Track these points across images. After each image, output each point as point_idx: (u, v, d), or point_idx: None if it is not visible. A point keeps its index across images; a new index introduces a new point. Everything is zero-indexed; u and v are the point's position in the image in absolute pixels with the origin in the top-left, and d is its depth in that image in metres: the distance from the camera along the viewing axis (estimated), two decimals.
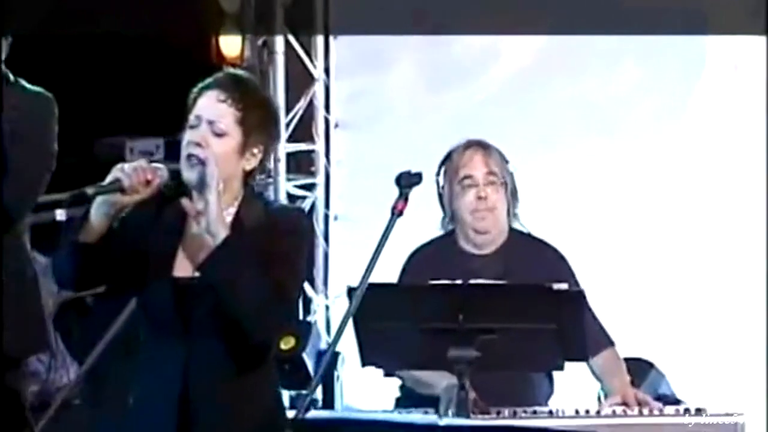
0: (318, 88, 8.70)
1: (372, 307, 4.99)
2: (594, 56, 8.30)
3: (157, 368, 4.47)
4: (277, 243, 4.46)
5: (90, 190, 4.32)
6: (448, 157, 6.25)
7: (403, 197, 4.53)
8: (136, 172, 4.33)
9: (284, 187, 8.74)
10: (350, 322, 5.71)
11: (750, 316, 7.73)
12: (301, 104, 8.75)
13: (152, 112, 8.78)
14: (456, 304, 4.92)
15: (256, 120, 4.41)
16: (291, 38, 8.66)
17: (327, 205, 8.86)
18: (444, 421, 4.60)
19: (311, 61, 8.67)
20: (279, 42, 8.65)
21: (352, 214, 8.67)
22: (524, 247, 6.05)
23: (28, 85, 5.95)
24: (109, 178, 4.37)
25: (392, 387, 6.38)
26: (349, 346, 7.76)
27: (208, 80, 4.56)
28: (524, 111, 8.28)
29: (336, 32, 8.66)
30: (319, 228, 8.71)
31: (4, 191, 5.82)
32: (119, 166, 4.35)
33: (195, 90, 4.53)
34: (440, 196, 6.29)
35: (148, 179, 4.36)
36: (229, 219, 4.40)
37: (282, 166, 8.63)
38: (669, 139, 8.15)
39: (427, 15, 8.47)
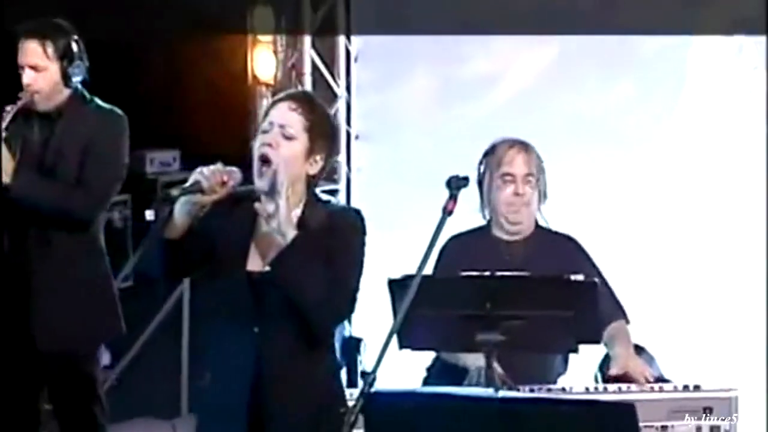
0: (340, 105, 8.71)
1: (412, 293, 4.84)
2: (591, 70, 8.23)
3: (233, 348, 4.55)
4: (338, 241, 4.55)
5: (175, 192, 4.41)
6: (492, 151, 6.21)
7: (453, 198, 4.50)
8: (213, 175, 4.39)
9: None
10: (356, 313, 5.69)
11: (741, 299, 7.68)
12: None
13: (198, 129, 8.85)
14: (484, 294, 4.93)
15: (321, 130, 4.49)
16: (317, 60, 8.64)
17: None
18: (501, 393, 4.63)
19: (334, 80, 8.67)
20: (307, 64, 8.66)
21: (370, 217, 8.74)
22: (547, 238, 6.06)
23: (102, 103, 6.07)
24: (190, 181, 4.45)
25: (411, 369, 6.31)
26: (370, 333, 7.76)
27: (281, 94, 4.69)
28: (529, 123, 7.92)
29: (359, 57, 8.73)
30: None
31: (83, 197, 5.93)
32: (199, 169, 4.42)
33: (267, 106, 4.66)
34: (480, 183, 6.24)
35: (224, 180, 4.41)
36: (295, 219, 4.48)
37: None
38: (661, 143, 8.08)
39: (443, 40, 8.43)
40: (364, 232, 4.70)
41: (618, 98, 8.21)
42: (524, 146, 6.14)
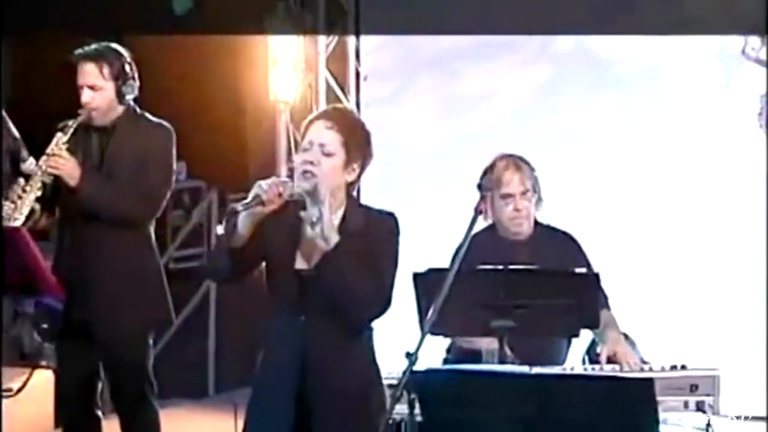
0: None
1: (434, 286, 4.95)
2: (577, 88, 8.22)
3: (282, 337, 4.64)
4: (377, 242, 4.62)
5: (240, 207, 4.46)
6: (491, 169, 6.10)
7: (483, 199, 4.63)
8: (271, 188, 4.45)
9: None
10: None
11: (721, 289, 7.59)
12: None
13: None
14: (498, 285, 5.01)
15: (356, 142, 4.55)
16: (330, 80, 8.70)
17: None
18: (534, 370, 4.72)
19: (345, 97, 8.67)
20: (321, 82, 8.67)
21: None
22: (547, 235, 6.03)
23: (151, 118, 6.13)
24: (251, 195, 4.49)
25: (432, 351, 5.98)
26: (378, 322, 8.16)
27: (317, 113, 4.72)
28: (522, 136, 8.12)
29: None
30: None
31: (140, 201, 5.99)
32: (258, 183, 4.45)
33: (306, 123, 4.64)
34: (483, 197, 6.25)
35: (281, 192, 4.47)
36: (336, 222, 4.53)
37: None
38: (639, 152, 8.02)
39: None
40: (398, 234, 4.73)
41: (600, 113, 8.17)
42: (518, 165, 6.14)
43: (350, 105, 8.67)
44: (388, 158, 8.62)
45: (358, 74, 8.72)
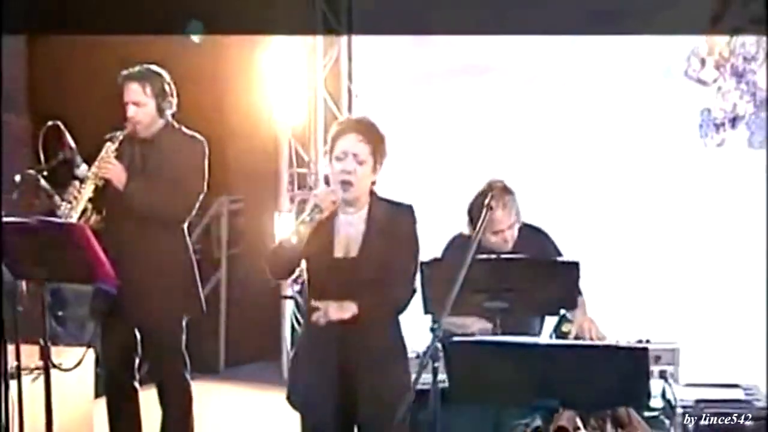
0: None
1: (436, 273, 5.14)
2: (558, 91, 7.98)
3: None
4: (398, 228, 4.72)
5: (307, 218, 4.58)
6: (482, 198, 5.63)
7: (493, 197, 4.77)
8: (327, 196, 4.63)
9: None
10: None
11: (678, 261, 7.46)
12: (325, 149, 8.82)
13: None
14: (491, 272, 5.06)
15: (380, 148, 4.70)
16: (327, 97, 8.63)
17: None
18: (543, 341, 4.84)
19: (339, 112, 8.58)
20: (320, 100, 8.60)
21: None
22: (525, 232, 5.87)
23: (186, 131, 6.17)
24: (310, 205, 4.64)
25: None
26: None
27: (343, 125, 4.79)
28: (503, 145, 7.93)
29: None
30: None
31: (178, 203, 6.03)
32: (314, 192, 4.64)
33: (335, 133, 4.73)
34: (472, 218, 5.93)
35: (334, 200, 4.63)
36: (365, 216, 4.70)
37: (322, 182, 8.37)
38: (600, 152, 7.80)
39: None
40: (416, 221, 4.79)
41: (570, 116, 7.96)
42: (506, 202, 5.92)
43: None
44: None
45: (350, 92, 8.64)
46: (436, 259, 5.54)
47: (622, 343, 5.33)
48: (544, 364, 4.17)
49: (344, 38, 8.63)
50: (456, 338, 4.48)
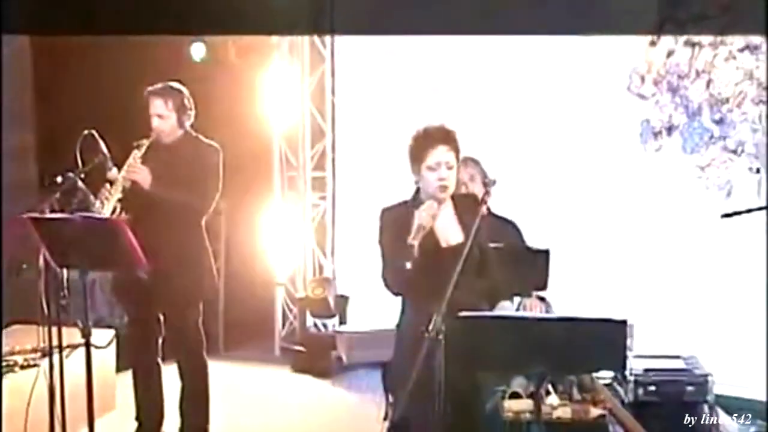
0: (327, 139, 8.68)
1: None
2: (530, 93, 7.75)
3: (429, 293, 4.49)
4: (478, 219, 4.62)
5: (413, 241, 4.55)
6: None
7: (488, 193, 4.69)
8: (428, 214, 4.63)
9: (310, 198, 8.68)
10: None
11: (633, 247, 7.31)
12: (317, 149, 8.70)
13: None
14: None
15: (459, 154, 4.74)
16: (313, 110, 8.64)
17: (333, 210, 8.79)
18: (530, 315, 4.88)
19: (323, 123, 8.65)
20: (306, 112, 8.63)
21: (348, 215, 8.71)
22: (499, 223, 5.84)
23: (203, 138, 6.24)
24: (415, 227, 4.61)
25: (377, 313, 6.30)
26: (359, 292, 8.07)
27: (430, 138, 4.72)
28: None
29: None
30: (330, 221, 8.76)
31: (197, 201, 6.09)
32: (417, 215, 4.62)
33: (423, 145, 4.70)
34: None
35: (433, 215, 4.65)
36: (450, 205, 4.76)
37: (309, 185, 8.68)
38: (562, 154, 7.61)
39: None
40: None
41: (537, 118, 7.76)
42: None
43: (327, 129, 8.65)
44: (356, 169, 8.70)
45: (333, 106, 8.67)
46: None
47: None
48: (536, 333, 4.24)
49: (328, 60, 8.65)
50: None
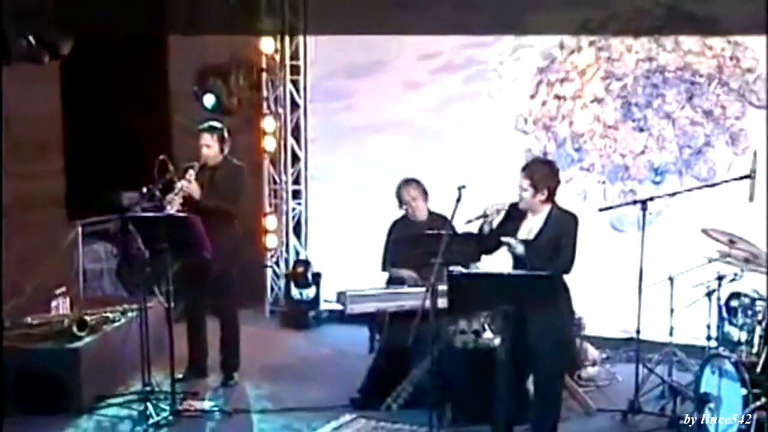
0: (302, 163, 8.44)
1: (396, 244, 5.71)
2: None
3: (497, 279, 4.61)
4: (562, 229, 4.70)
5: (477, 220, 4.73)
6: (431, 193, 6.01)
7: (460, 195, 4.73)
8: (493, 208, 4.77)
9: (290, 204, 8.55)
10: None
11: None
12: (296, 168, 8.52)
13: None
14: (435, 241, 4.99)
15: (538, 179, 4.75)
16: (291, 140, 8.44)
17: (306, 212, 8.62)
18: (506, 272, 4.78)
19: (299, 150, 8.47)
20: (290, 140, 8.38)
21: (317, 216, 8.59)
22: (435, 217, 5.99)
23: (236, 161, 6.37)
24: (492, 205, 4.73)
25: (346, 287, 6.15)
26: (329, 270, 8.13)
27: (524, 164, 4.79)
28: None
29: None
30: (304, 220, 8.62)
31: (234, 203, 6.25)
32: (485, 209, 4.74)
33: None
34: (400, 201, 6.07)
35: (498, 209, 4.78)
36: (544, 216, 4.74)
37: (290, 195, 8.57)
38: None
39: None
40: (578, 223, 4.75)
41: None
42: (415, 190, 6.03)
43: (302, 153, 8.36)
44: (329, 185, 8.45)
45: (307, 141, 8.50)
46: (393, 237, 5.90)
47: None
48: (511, 283, 4.51)
49: (302, 107, 8.48)
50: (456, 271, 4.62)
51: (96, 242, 8.05)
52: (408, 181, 6.21)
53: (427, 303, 4.76)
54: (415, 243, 5.68)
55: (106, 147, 8.29)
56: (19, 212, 6.69)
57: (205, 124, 6.39)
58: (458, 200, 4.78)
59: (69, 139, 7.63)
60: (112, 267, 7.98)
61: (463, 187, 4.74)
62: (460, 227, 5.07)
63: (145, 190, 5.86)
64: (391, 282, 6.20)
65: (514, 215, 4.77)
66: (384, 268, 6.17)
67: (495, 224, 4.77)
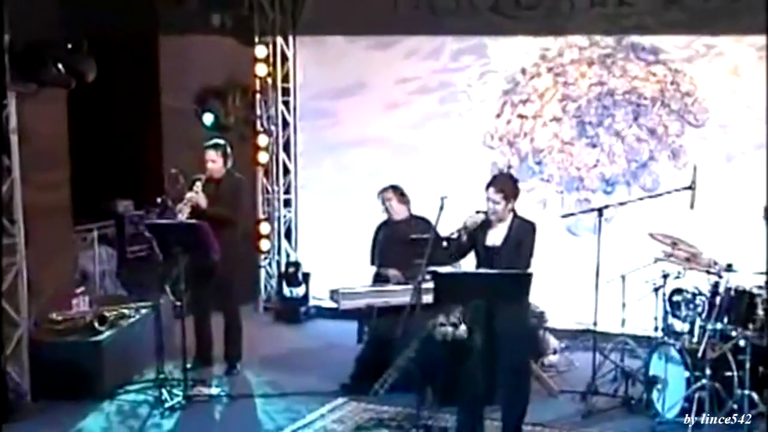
0: (292, 175, 8.39)
1: (383, 246, 5.71)
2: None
3: (473, 282, 4.60)
4: (523, 235, 4.73)
5: (456, 232, 4.71)
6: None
7: (443, 205, 4.76)
8: (472, 219, 4.75)
9: (282, 211, 8.51)
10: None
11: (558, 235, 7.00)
12: (287, 180, 8.50)
13: None
14: (417, 244, 5.31)
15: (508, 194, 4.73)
16: (283, 155, 8.36)
17: (296, 219, 8.59)
18: (489, 271, 4.68)
19: (290, 165, 8.51)
20: (281, 155, 8.32)
21: (306, 222, 8.54)
22: (418, 220, 6.05)
23: (237, 174, 6.42)
24: (470, 217, 4.70)
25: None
26: (317, 269, 8.11)
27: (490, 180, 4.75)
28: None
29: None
30: (294, 226, 8.54)
31: (233, 213, 6.20)
32: (465, 220, 4.70)
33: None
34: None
35: (475, 221, 4.76)
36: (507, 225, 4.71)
37: (281, 203, 8.53)
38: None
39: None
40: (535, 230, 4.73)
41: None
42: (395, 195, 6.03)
43: (291, 164, 8.30)
44: (317, 195, 8.39)
45: (296, 155, 8.45)
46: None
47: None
48: (485, 281, 4.59)
49: (292, 125, 8.44)
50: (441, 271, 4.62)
51: (98, 246, 8.00)
52: (386, 188, 6.33)
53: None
54: (401, 245, 5.91)
55: (106, 159, 8.17)
56: (33, 220, 6.66)
57: (211, 142, 6.41)
58: (441, 209, 4.84)
59: (73, 152, 7.55)
60: (113, 268, 7.91)
61: (446, 197, 4.83)
62: (444, 233, 5.09)
63: (159, 200, 6.00)
64: (377, 279, 6.28)
65: (483, 223, 4.82)
66: (372, 263, 6.32)
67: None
